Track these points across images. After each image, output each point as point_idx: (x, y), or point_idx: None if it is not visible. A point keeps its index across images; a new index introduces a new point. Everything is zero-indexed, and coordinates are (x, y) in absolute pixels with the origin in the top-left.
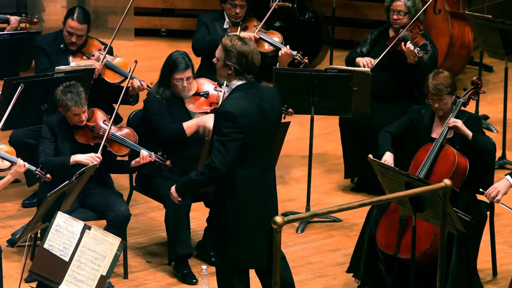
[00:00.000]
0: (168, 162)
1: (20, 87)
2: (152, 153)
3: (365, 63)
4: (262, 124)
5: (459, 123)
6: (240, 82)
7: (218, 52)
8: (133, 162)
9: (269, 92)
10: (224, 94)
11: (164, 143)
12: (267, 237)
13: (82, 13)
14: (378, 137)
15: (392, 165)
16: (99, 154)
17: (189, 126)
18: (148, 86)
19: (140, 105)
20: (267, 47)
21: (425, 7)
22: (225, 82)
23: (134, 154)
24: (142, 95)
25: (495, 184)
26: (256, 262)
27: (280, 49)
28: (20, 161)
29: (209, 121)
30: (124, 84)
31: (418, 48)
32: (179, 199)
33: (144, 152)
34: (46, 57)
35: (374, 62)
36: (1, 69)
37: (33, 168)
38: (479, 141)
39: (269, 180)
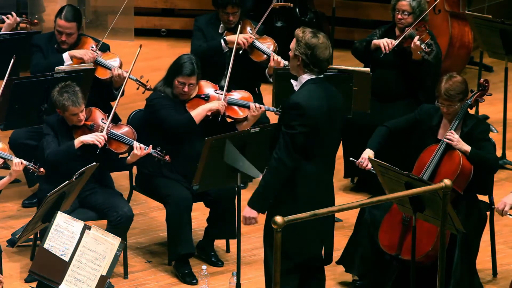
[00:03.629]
0: (167, 157)
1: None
2: (149, 146)
3: (385, 44)
4: (328, 121)
5: (455, 140)
6: (310, 76)
7: (292, 43)
8: (129, 157)
9: (334, 91)
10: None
11: (169, 140)
12: (322, 233)
13: (71, 11)
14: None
15: (368, 162)
16: (104, 134)
17: (197, 113)
18: (131, 76)
19: (140, 105)
20: (264, 56)
21: (430, 8)
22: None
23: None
24: (141, 96)
25: (503, 198)
26: (311, 257)
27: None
28: (15, 159)
29: (214, 104)
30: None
31: (425, 44)
32: (256, 216)
33: (138, 144)
34: (42, 54)
35: (395, 42)
36: (1, 69)
37: (26, 162)
38: (476, 159)
39: (329, 176)
